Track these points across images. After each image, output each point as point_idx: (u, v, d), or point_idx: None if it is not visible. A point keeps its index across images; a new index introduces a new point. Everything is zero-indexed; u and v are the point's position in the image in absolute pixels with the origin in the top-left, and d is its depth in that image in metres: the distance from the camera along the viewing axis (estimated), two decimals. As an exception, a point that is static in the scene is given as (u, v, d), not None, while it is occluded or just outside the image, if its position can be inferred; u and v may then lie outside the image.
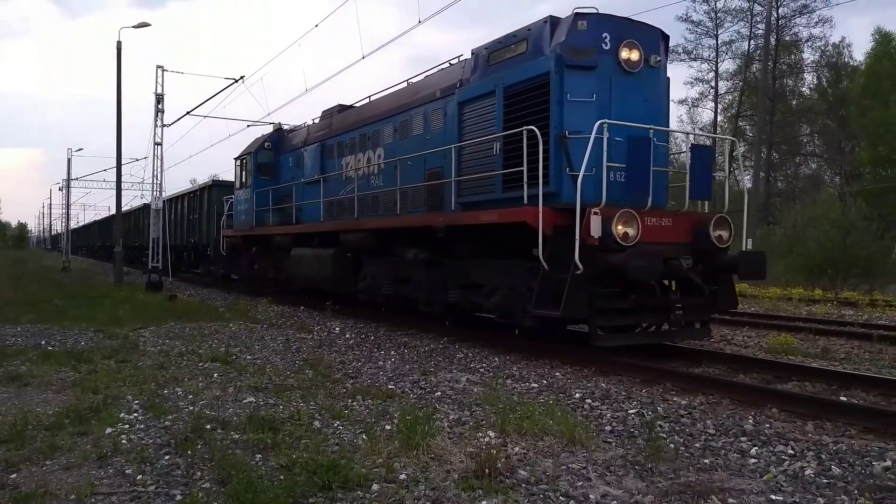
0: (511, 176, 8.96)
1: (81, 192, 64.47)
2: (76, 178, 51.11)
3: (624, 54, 8.78)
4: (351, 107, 15.50)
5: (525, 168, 8.46)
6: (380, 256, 12.82)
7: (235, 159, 19.95)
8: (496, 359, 9.19)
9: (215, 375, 7.71)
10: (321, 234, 14.78)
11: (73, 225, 61.52)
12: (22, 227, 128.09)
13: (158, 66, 23.67)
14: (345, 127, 14.84)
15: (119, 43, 23.90)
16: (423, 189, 11.40)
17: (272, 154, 18.63)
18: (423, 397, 6.86)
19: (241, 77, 23.60)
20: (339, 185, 14.64)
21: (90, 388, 6.89)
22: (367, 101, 14.65)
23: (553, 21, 9.03)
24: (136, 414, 5.95)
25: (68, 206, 50.16)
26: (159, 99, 23.81)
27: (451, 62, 11.71)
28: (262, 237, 18.27)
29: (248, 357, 9.09)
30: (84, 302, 16.07)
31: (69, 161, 45.05)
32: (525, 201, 8.46)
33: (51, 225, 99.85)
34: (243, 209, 19.30)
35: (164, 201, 25.91)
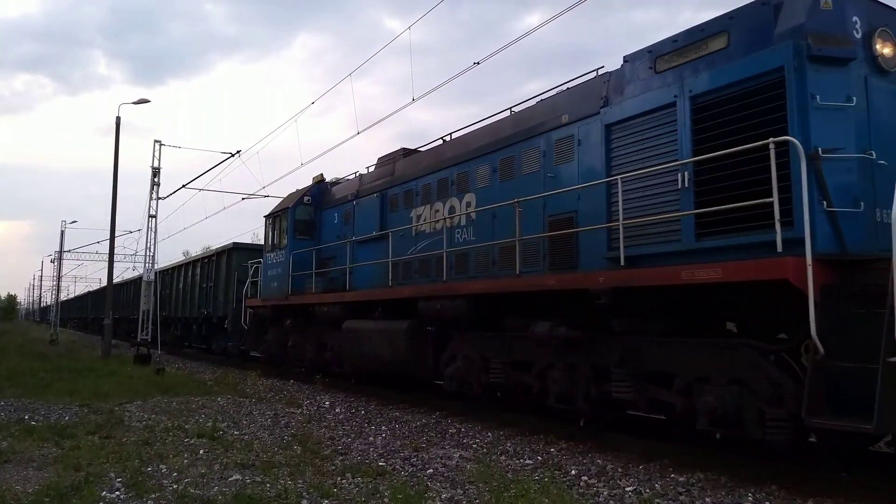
0: (711, 218, 6.57)
1: (73, 264, 64.36)
2: (68, 250, 51.12)
3: (879, 46, 6.56)
4: (417, 150, 13.51)
5: (776, 199, 5.81)
6: (477, 332, 10.02)
7: (266, 217, 17.74)
8: (489, 434, 9.01)
9: (201, 452, 7.51)
10: (387, 302, 12.01)
11: (64, 297, 61.11)
12: (11, 298, 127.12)
13: (156, 141, 24.05)
14: (415, 173, 12.47)
15: (118, 118, 24.36)
16: (542, 242, 8.97)
17: (312, 210, 16.21)
18: (414, 475, 6.68)
19: (238, 151, 23.99)
20: (405, 242, 12.10)
21: (72, 464, 6.70)
22: (440, 142, 12.58)
23: (776, 2, 6.60)
24: (118, 492, 5.77)
25: (59, 277, 49.92)
26: (155, 172, 24.07)
27: (580, 79, 9.26)
28: (301, 307, 15.42)
29: (236, 432, 8.88)
30: (69, 375, 15.78)
31: (62, 233, 45.17)
32: (779, 249, 5.75)
33: (40, 297, 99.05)
34: (275, 274, 16.59)
35: (170, 269, 26.05)
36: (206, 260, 24.33)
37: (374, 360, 12.21)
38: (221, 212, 48.07)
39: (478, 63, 14.88)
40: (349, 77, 33.30)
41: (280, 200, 17.63)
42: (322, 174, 16.82)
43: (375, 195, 13.57)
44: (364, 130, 45.33)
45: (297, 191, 17.14)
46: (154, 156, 24.03)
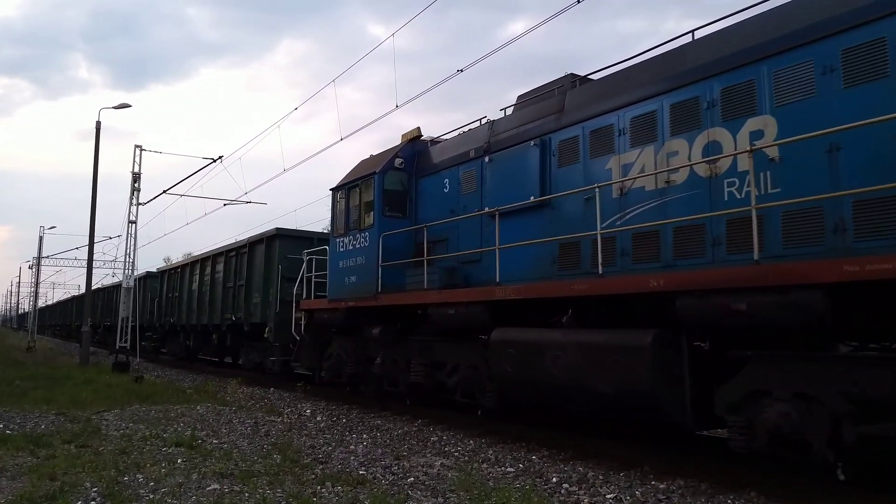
0: None
1: (52, 270, 63.56)
2: (47, 256, 50.47)
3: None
4: (588, 78, 9.69)
5: None
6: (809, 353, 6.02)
7: (335, 190, 13.40)
8: (471, 442, 8.99)
9: (179, 461, 7.41)
10: (585, 301, 7.88)
11: (42, 303, 60.27)
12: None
13: (137, 146, 23.83)
14: (615, 101, 8.48)
15: (98, 123, 24.14)
16: None
17: (405, 177, 12.11)
18: (395, 483, 6.63)
19: (220, 157, 23.80)
20: (592, 209, 8.03)
21: (47, 474, 6.58)
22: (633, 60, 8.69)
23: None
24: (93, 503, 5.67)
25: (37, 283, 49.28)
26: (136, 178, 23.85)
27: None
28: (400, 310, 11.18)
29: (215, 441, 8.78)
30: (46, 383, 15.54)
31: (41, 239, 44.59)
32: None
33: (18, 303, 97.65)
34: (353, 266, 12.35)
35: (178, 267, 23.26)
36: (233, 253, 19.60)
37: (566, 393, 7.88)
38: (202, 218, 47.76)
39: (461, 70, 14.88)
40: (333, 83, 33.16)
41: (352, 169, 13.37)
42: (419, 129, 12.46)
43: (530, 144, 9.47)
44: (347, 137, 45.34)
45: (382, 153, 12.83)
46: (134, 161, 23.83)
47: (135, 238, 23.77)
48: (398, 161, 12.11)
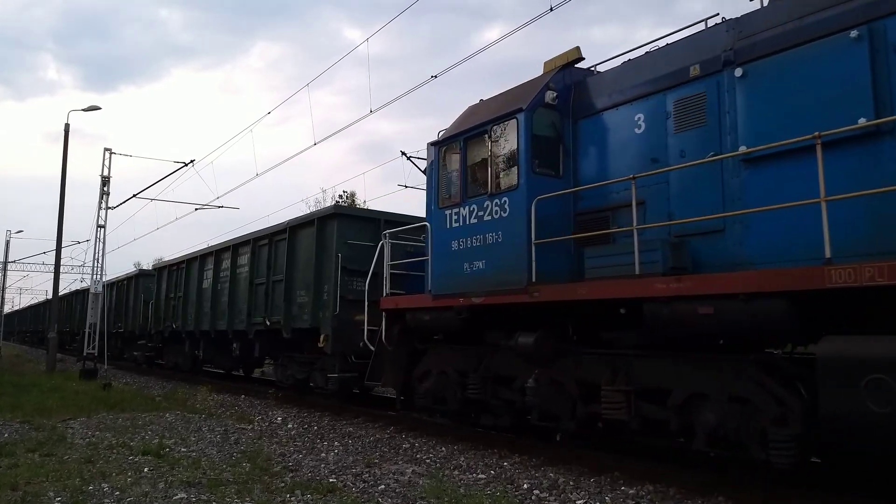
0: None
1: (19, 275, 62.34)
2: (13, 261, 49.50)
3: None
4: None
5: None
6: None
7: (438, 145, 9.81)
8: (443, 448, 8.97)
9: (146, 470, 7.30)
10: None
11: (8, 309, 59.01)
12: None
13: (106, 149, 23.53)
14: None
15: (67, 125, 23.79)
16: None
17: (559, 119, 8.65)
18: (365, 491, 6.60)
19: (191, 161, 23.57)
20: None
21: (9, 484, 6.46)
22: None
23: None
24: (56, 513, 5.56)
25: (3, 289, 48.28)
26: (105, 181, 23.52)
27: None
28: (587, 306, 7.45)
29: (183, 449, 8.66)
30: (11, 390, 15.22)
31: (7, 243, 43.75)
32: None
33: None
34: (481, 246, 8.75)
35: (182, 262, 20.12)
36: (264, 241, 15.45)
37: None
38: (174, 223, 47.18)
39: (435, 76, 14.92)
40: (307, 87, 33.00)
41: (461, 117, 9.86)
42: (578, 49, 8.89)
43: (843, 37, 6.04)
44: (321, 141, 45.09)
45: (520, 86, 9.21)
46: (104, 164, 23.50)
47: (103, 242, 23.45)
48: (550, 95, 8.47)
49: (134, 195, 25.63)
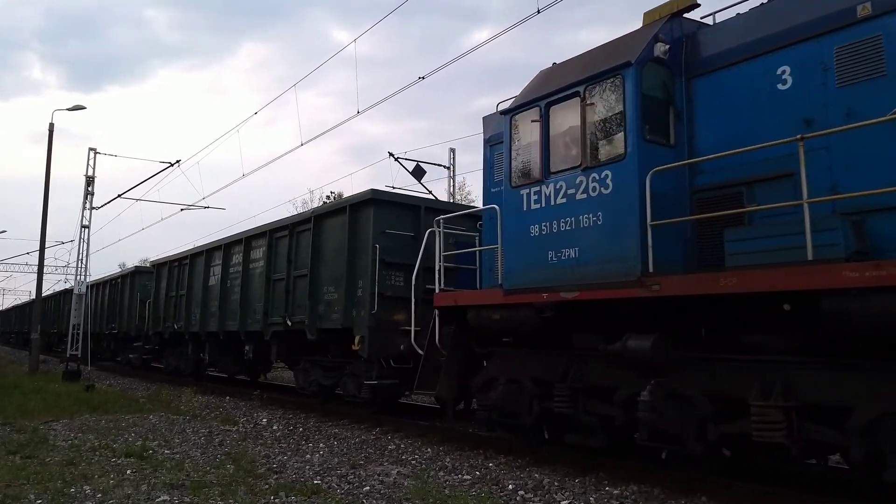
0: None
1: (2, 276, 61.75)
2: (-3, 262, 48.97)
3: None
4: None
5: None
6: None
7: (511, 113, 8.19)
8: (429, 449, 8.97)
9: (129, 472, 7.24)
10: None
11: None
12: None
13: (91, 149, 23.36)
14: None
15: (51, 125, 23.63)
16: None
17: (669, 77, 7.23)
18: (350, 492, 6.58)
19: (177, 161, 23.44)
20: None
21: (-12, 487, 6.36)
22: None
23: None
24: (36, 516, 5.50)
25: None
26: (90, 181, 23.34)
27: None
28: (729, 301, 5.98)
29: (167, 451, 8.60)
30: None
31: (-10, 243, 43.26)
32: None
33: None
34: (572, 230, 7.25)
35: (185, 259, 18.73)
36: (283, 232, 13.98)
37: None
38: (159, 223, 46.89)
39: (423, 78, 14.88)
40: (294, 88, 32.92)
41: (535, 80, 8.44)
42: None
43: None
44: (308, 142, 45.01)
45: (618, 40, 7.73)
46: (88, 164, 23.32)
47: (87, 243, 23.25)
48: (661, 48, 7.04)
49: (119, 195, 25.46)
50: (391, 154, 20.32)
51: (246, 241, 15.42)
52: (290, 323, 13.11)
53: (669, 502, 6.18)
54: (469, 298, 8.71)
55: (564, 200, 7.34)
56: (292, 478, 7.15)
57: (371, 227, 11.31)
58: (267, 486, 6.64)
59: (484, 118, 9.56)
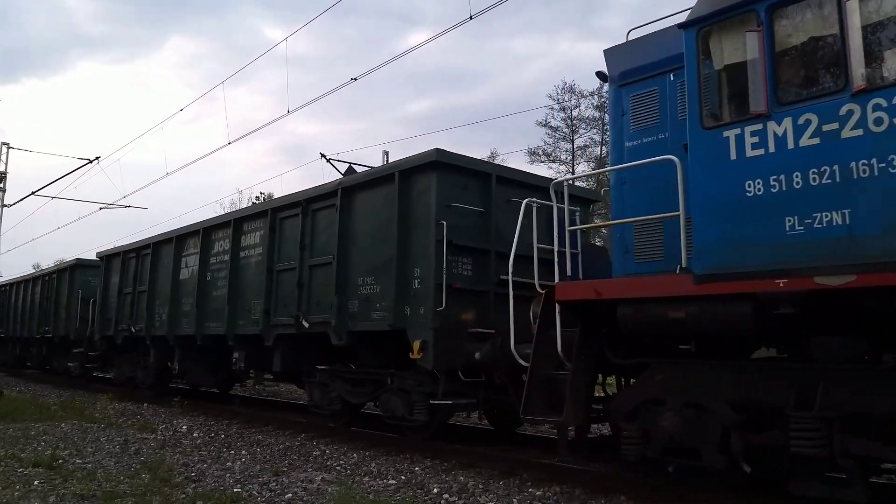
0: None
1: None
2: None
3: None
4: None
5: None
6: None
7: (701, 24, 5.72)
8: (355, 455, 8.89)
9: (36, 482, 6.89)
10: None
11: None
12: None
13: (3, 143, 22.20)
14: None
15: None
16: None
17: None
18: (272, 500, 6.45)
19: (96, 158, 22.51)
20: None
21: None
22: None
23: None
24: (-71, 532, 5.16)
25: None
26: (1, 177, 22.18)
27: None
28: None
29: (78, 461, 8.22)
30: None
31: None
32: None
33: None
34: (857, 180, 4.82)
35: (145, 248, 15.76)
36: (293, 211, 11.26)
37: None
38: (76, 222, 44.88)
39: (355, 79, 14.77)
40: (222, 85, 32.19)
41: None
42: None
43: None
44: (235, 141, 44.03)
45: None
46: (0, 159, 22.15)
47: (-2, 242, 21.96)
48: None
49: (33, 192, 24.27)
50: (323, 155, 20.01)
51: (236, 223, 12.70)
52: (306, 324, 10.39)
53: (590, 502, 6.31)
54: (624, 288, 6.25)
55: (816, 142, 5.15)
56: (211, 486, 6.95)
57: (434, 198, 8.77)
58: (184, 496, 6.43)
59: (607, 52, 7.37)
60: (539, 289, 7.15)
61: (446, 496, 6.61)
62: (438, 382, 8.59)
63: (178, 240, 14.62)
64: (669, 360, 6.27)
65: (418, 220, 9.02)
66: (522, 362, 7.27)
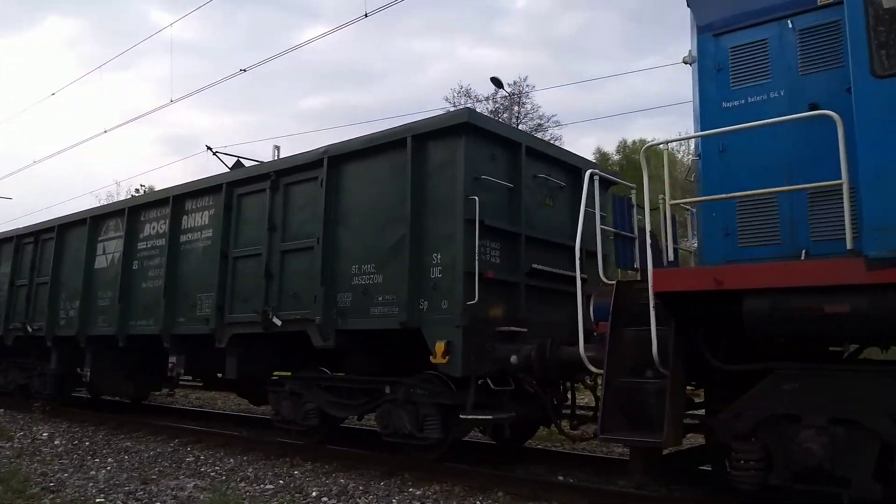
0: None
1: None
2: None
3: None
4: None
5: None
6: None
7: None
8: (231, 460, 8.59)
9: None
10: None
11: None
12: None
13: None
14: None
15: None
16: None
17: None
18: (139, 509, 6.12)
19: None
20: None
21: None
22: None
23: None
24: None
25: None
26: None
27: None
28: None
29: (-86, 475, 7.48)
30: None
31: None
32: None
33: None
34: None
35: (44, 232, 13.44)
36: (257, 186, 9.47)
37: None
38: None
39: (245, 70, 14.36)
40: (100, 69, 30.23)
41: None
42: None
43: None
44: (112, 129, 41.59)
45: None
46: None
47: None
48: None
49: None
50: (209, 147, 19.15)
51: (176, 201, 10.58)
52: (278, 322, 8.59)
53: (468, 499, 6.41)
54: (761, 276, 4.89)
55: None
56: (71, 497, 6.52)
57: (462, 169, 7.24)
58: (39, 508, 6.00)
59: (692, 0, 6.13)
60: (604, 279, 6.32)
61: (325, 499, 6.53)
62: (464, 392, 7.02)
63: (93, 221, 12.24)
64: (807, 365, 5.06)
65: (440, 195, 7.43)
66: (593, 369, 6.11)
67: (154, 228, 11.10)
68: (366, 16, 11.23)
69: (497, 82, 29.45)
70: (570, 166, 8.55)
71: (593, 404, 7.63)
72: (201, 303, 9.88)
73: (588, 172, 6.44)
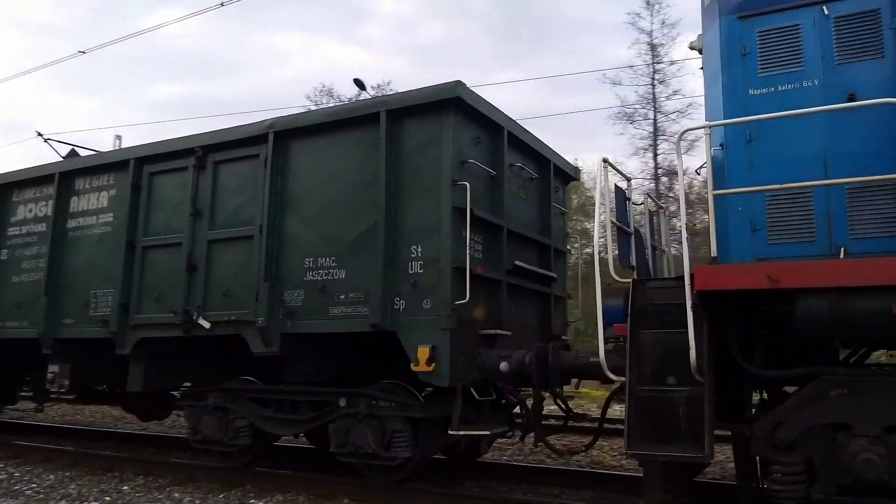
0: None
1: None
2: None
3: None
4: None
5: None
6: None
7: None
8: (51, 476, 7.87)
9: None
10: None
11: None
12: None
13: None
14: None
15: None
16: None
17: None
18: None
19: None
20: None
21: None
22: None
23: None
24: None
25: None
26: None
27: None
28: None
29: None
30: None
31: None
32: None
33: None
34: None
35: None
36: (168, 164, 8.14)
37: None
38: None
39: (84, 52, 13.29)
40: None
41: None
42: None
43: None
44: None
45: None
46: None
47: None
48: None
49: None
50: (40, 134, 17.36)
51: (63, 178, 8.93)
52: (206, 324, 7.29)
53: (313, 507, 6.26)
54: (822, 274, 4.49)
55: None
56: None
57: (451, 150, 6.38)
58: None
59: None
60: (616, 276, 5.68)
61: (157, 515, 6.13)
62: (444, 404, 6.21)
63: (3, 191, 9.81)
64: (857, 369, 4.85)
65: (421, 179, 6.51)
66: (613, 376, 5.37)
67: (31, 211, 9.34)
68: (221, 5, 10.72)
69: (360, 84, 29.12)
70: (541, 157, 7.93)
71: (563, 414, 7.03)
72: (97, 301, 8.29)
73: (600, 159, 5.82)
